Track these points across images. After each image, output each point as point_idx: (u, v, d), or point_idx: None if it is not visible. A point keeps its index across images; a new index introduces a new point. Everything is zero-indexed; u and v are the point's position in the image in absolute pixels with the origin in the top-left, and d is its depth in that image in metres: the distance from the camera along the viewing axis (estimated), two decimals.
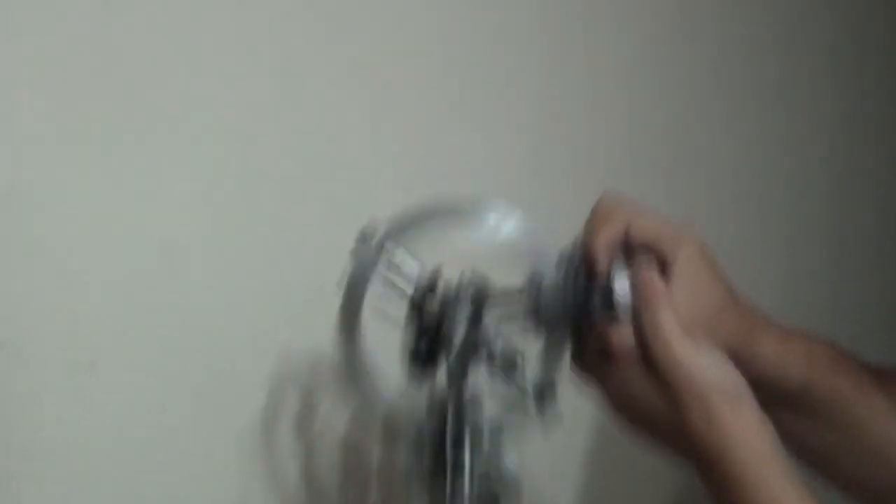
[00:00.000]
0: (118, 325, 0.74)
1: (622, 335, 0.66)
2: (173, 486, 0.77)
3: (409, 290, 0.66)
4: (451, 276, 0.67)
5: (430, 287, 0.66)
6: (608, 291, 0.64)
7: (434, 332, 0.66)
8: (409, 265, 0.66)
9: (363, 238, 0.66)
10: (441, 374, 0.66)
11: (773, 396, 0.68)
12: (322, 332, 0.85)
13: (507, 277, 0.67)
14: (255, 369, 0.81)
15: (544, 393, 0.67)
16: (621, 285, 0.64)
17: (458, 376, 0.65)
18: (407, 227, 0.66)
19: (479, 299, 0.66)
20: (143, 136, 0.75)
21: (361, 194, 0.84)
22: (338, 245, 0.85)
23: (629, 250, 0.67)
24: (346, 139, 0.86)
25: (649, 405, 0.66)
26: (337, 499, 0.87)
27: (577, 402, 0.99)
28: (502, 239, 0.66)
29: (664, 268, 0.67)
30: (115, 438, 0.73)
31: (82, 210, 0.72)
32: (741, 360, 0.65)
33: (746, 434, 0.62)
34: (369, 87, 0.88)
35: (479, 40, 0.98)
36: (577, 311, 0.65)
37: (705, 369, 0.63)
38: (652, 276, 0.65)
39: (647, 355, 0.64)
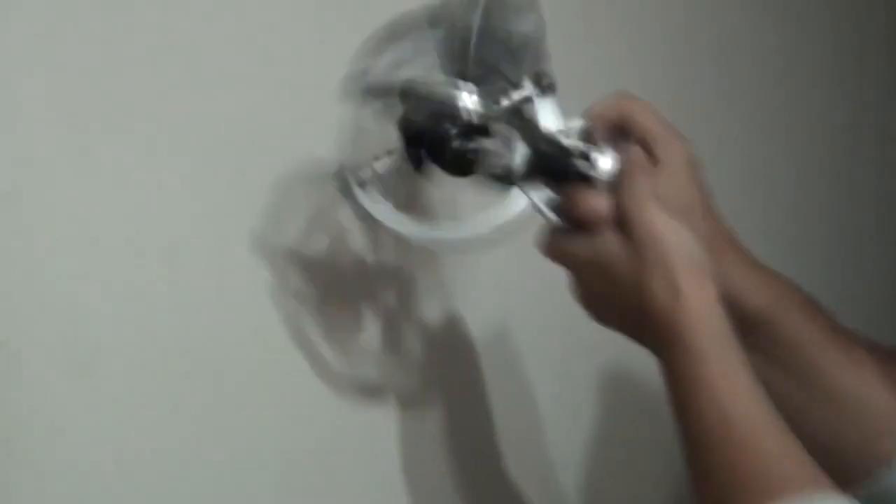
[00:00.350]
0: (118, 325, 0.74)
1: (595, 202, 0.67)
2: (173, 486, 0.77)
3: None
4: None
5: None
6: (591, 149, 0.67)
7: None
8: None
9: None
10: None
11: (730, 320, 0.67)
12: (326, 330, 0.85)
13: None
14: (256, 369, 0.81)
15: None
16: (608, 153, 0.67)
17: None
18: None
19: None
20: (143, 135, 0.75)
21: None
22: (340, 246, 0.85)
23: (624, 138, 0.69)
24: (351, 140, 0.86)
25: (615, 278, 0.66)
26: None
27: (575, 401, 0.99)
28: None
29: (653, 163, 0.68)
30: (114, 438, 0.73)
31: (82, 210, 0.72)
32: None
33: (707, 307, 0.63)
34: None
35: None
36: (557, 168, 0.67)
37: (677, 237, 0.64)
38: (639, 152, 0.67)
39: (623, 216, 0.65)
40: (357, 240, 0.86)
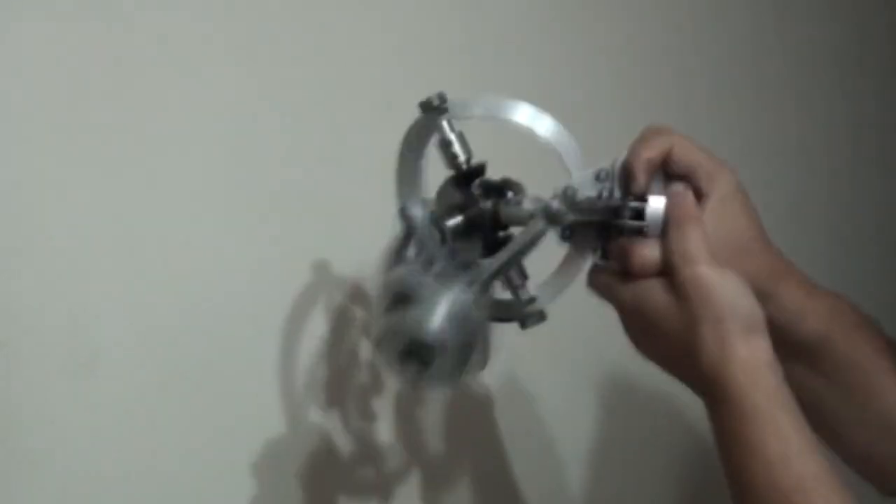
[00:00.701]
0: (118, 325, 0.74)
1: (645, 252, 0.66)
2: (173, 485, 0.77)
3: (461, 159, 0.69)
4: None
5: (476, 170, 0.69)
6: (641, 204, 0.66)
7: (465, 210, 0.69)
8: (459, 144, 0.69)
9: (428, 105, 0.68)
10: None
11: (788, 345, 0.67)
12: (323, 331, 0.85)
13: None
14: (256, 368, 0.81)
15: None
16: (656, 200, 0.66)
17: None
18: (468, 109, 0.69)
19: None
20: (143, 136, 0.75)
21: (360, 193, 0.84)
22: (338, 245, 0.85)
23: (668, 176, 0.68)
24: (344, 138, 0.86)
25: (662, 326, 0.65)
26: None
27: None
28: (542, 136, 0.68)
29: (699, 198, 0.67)
30: (114, 438, 0.73)
31: (82, 210, 0.72)
32: (762, 302, 0.65)
33: (756, 364, 0.62)
34: (368, 87, 0.88)
35: (479, 41, 0.98)
36: (607, 223, 0.67)
37: (726, 292, 0.63)
38: (687, 196, 0.66)
39: (671, 269, 0.64)
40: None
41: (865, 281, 1.54)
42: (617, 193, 0.68)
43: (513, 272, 0.69)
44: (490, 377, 0.96)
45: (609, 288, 0.68)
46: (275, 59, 0.82)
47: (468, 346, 0.66)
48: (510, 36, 1.00)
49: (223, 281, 0.79)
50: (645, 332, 0.67)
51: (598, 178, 0.68)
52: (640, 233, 0.66)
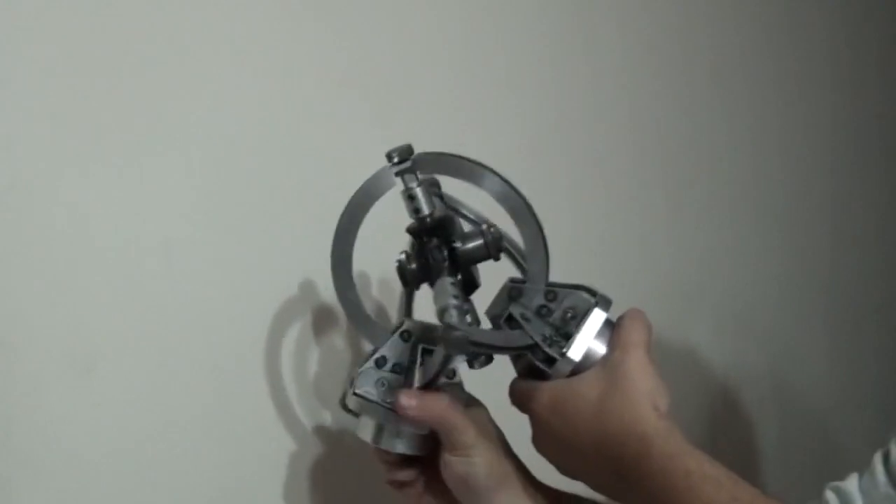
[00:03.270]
0: (118, 325, 0.74)
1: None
2: (173, 485, 0.77)
3: (423, 213, 0.68)
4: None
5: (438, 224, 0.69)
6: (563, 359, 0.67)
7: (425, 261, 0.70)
8: (422, 201, 0.68)
9: (390, 157, 0.68)
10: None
11: None
12: (323, 330, 0.85)
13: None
14: (256, 368, 0.81)
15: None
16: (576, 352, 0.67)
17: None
18: (431, 167, 0.68)
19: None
20: (143, 136, 0.75)
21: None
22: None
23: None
24: (342, 140, 0.86)
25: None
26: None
27: None
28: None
29: None
30: (114, 438, 0.73)
31: (82, 210, 0.72)
32: None
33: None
34: (366, 89, 0.88)
35: (479, 42, 0.98)
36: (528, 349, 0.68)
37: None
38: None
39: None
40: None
41: (866, 280, 1.54)
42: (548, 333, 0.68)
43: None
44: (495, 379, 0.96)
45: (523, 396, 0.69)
46: (277, 58, 0.82)
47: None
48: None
49: (223, 281, 0.79)
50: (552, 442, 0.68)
51: (548, 298, 0.69)
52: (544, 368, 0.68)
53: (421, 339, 0.69)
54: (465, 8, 0.97)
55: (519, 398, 0.70)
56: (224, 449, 0.79)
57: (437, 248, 0.69)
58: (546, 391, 0.67)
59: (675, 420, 0.64)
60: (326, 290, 0.85)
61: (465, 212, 0.72)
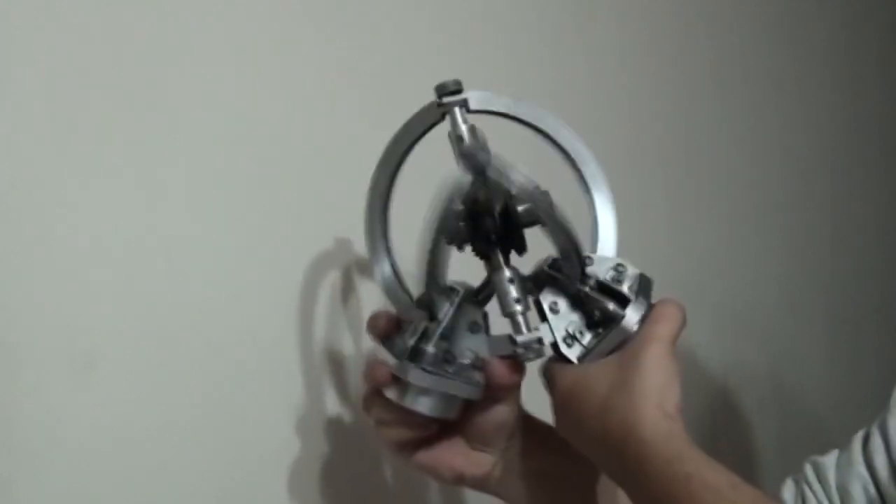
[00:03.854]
0: (118, 325, 0.74)
1: None
2: (173, 484, 0.77)
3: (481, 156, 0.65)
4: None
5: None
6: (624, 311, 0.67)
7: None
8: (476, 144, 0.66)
9: (443, 89, 0.66)
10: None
11: None
12: (323, 330, 0.85)
13: None
14: (256, 368, 0.81)
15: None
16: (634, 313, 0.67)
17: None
18: (488, 103, 0.66)
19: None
20: (143, 135, 0.75)
21: (357, 193, 0.84)
22: (338, 245, 0.85)
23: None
24: (342, 140, 0.86)
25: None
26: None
27: None
28: None
29: None
30: (114, 438, 0.73)
31: (82, 210, 0.72)
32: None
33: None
34: (366, 90, 0.88)
35: (479, 42, 0.98)
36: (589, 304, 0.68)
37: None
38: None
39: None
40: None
41: (866, 280, 1.54)
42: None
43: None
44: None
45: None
46: (276, 57, 0.82)
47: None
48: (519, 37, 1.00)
49: (223, 280, 0.79)
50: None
51: (616, 270, 0.69)
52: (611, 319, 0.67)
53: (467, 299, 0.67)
54: (465, 8, 0.97)
55: (545, 377, 0.70)
56: (224, 449, 0.79)
57: (488, 210, 0.65)
58: (566, 377, 0.67)
59: (683, 420, 0.63)
60: (327, 290, 0.85)
61: (513, 175, 0.67)
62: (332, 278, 0.86)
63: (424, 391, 0.67)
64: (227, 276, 0.79)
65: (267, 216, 0.82)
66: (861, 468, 0.83)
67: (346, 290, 0.87)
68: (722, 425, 1.32)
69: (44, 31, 0.69)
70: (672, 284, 1.20)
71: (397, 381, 0.68)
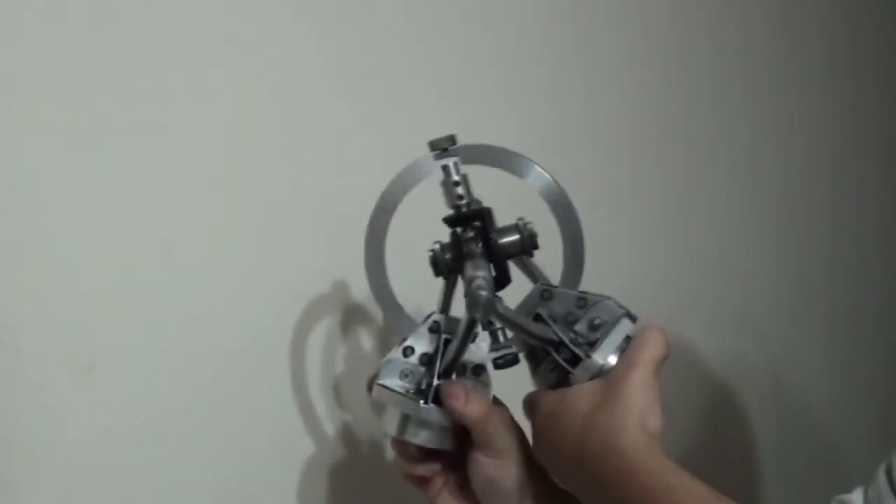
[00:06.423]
0: (118, 325, 0.74)
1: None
2: (174, 484, 0.77)
3: (463, 202, 0.68)
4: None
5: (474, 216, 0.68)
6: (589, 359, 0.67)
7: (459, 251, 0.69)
8: (462, 189, 0.68)
9: (435, 146, 0.68)
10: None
11: None
12: (323, 330, 0.85)
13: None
14: (256, 369, 0.81)
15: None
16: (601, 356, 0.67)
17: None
18: (475, 157, 0.68)
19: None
20: (143, 135, 0.75)
21: (357, 193, 0.84)
22: (338, 244, 0.85)
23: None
24: (342, 140, 0.86)
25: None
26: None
27: None
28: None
29: None
30: (114, 438, 0.73)
31: (82, 209, 0.72)
32: None
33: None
34: (366, 90, 0.88)
35: (478, 42, 0.98)
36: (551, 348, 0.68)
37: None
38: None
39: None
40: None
41: (866, 280, 1.54)
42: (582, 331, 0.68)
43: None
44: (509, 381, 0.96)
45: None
46: (281, 62, 0.82)
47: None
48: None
49: (224, 280, 0.79)
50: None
51: (578, 304, 0.68)
52: (565, 371, 0.67)
53: (448, 331, 0.68)
54: (465, 7, 0.97)
55: (526, 407, 0.69)
56: (225, 449, 0.79)
57: (473, 240, 0.68)
58: (547, 401, 0.67)
59: (662, 442, 0.63)
60: (327, 290, 0.85)
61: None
62: (333, 279, 0.86)
63: (423, 423, 0.68)
64: (227, 276, 0.79)
65: (267, 216, 0.82)
66: (891, 500, 0.82)
67: (347, 291, 0.87)
68: (722, 425, 1.32)
69: (44, 31, 0.70)
70: (670, 284, 1.21)
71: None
